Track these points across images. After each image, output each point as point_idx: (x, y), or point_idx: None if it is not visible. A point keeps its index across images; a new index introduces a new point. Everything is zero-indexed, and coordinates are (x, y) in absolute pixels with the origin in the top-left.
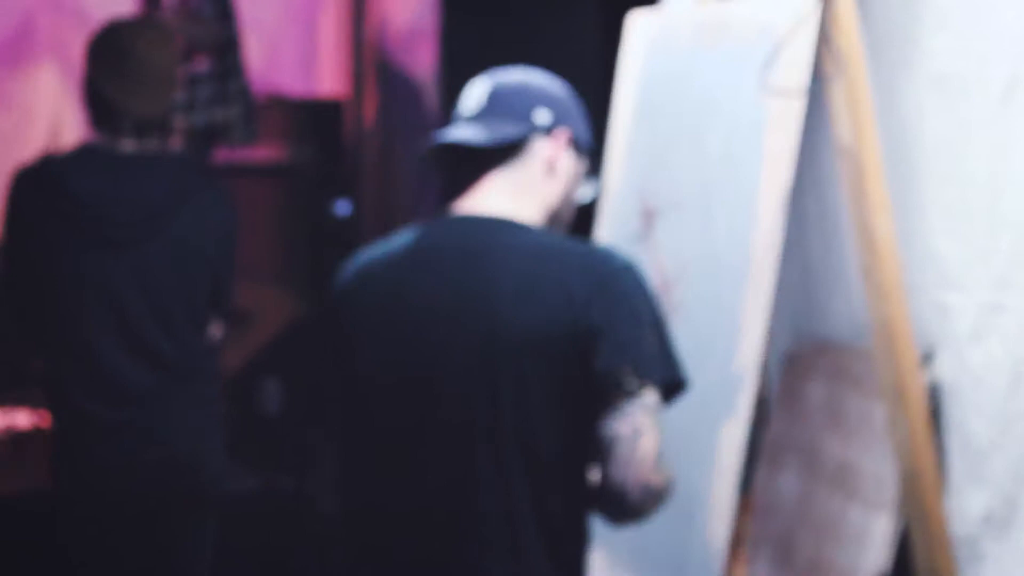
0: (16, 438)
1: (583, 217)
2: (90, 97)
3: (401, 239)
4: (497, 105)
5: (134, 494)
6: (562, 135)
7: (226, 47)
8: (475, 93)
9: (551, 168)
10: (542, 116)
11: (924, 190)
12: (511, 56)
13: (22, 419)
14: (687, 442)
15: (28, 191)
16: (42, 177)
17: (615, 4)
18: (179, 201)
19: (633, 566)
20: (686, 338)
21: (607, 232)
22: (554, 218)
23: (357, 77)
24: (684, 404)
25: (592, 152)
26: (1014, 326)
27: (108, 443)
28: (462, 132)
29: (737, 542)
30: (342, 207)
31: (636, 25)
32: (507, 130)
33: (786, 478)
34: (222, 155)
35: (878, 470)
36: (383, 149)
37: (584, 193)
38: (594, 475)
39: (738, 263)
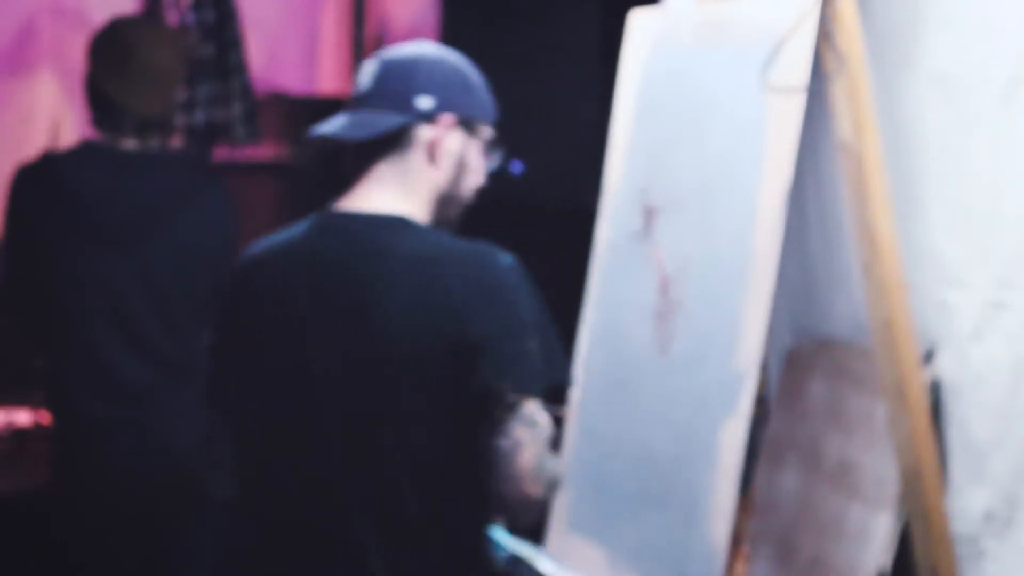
0: (16, 436)
1: (584, 216)
2: (92, 95)
3: (294, 232)
4: (382, 89)
5: (134, 493)
6: (445, 120)
7: (227, 46)
8: (365, 73)
9: (432, 156)
10: (424, 102)
11: (925, 188)
12: (511, 55)
13: (22, 417)
14: (687, 440)
15: (29, 189)
16: (43, 175)
17: (616, 3)
18: (180, 200)
19: (634, 564)
20: (686, 336)
21: (608, 230)
22: (446, 203)
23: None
24: (684, 402)
25: (496, 122)
26: (1016, 324)
27: (108, 442)
28: (338, 125)
29: (737, 540)
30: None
31: (637, 24)
32: (386, 121)
33: (786, 476)
34: (222, 153)
35: (879, 468)
36: None
37: (490, 164)
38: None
39: (738, 261)
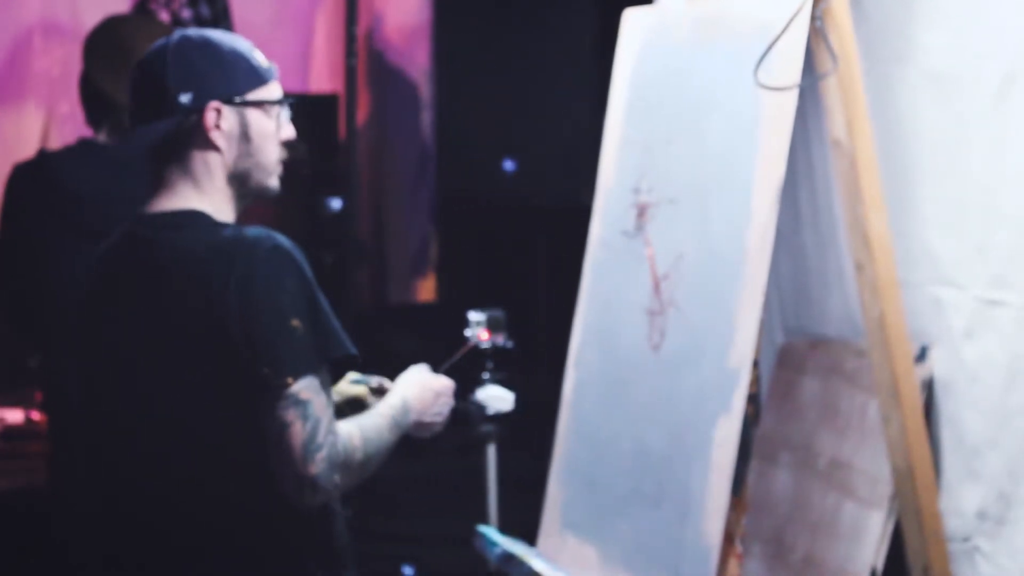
0: (11, 435)
1: (580, 212)
2: (87, 93)
3: (108, 240)
4: (140, 99)
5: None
6: (210, 109)
7: None
8: (130, 85)
9: (209, 144)
10: (183, 98)
11: (919, 186)
12: (506, 54)
13: (17, 416)
14: (680, 438)
15: (26, 186)
16: (40, 172)
17: (610, 1)
18: None
19: (627, 562)
20: (679, 334)
21: (600, 227)
22: (246, 177)
23: (351, 73)
24: (677, 400)
25: (264, 81)
26: (1010, 322)
27: None
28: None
29: (730, 538)
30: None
31: (631, 21)
32: (154, 130)
33: (779, 475)
34: None
35: (872, 467)
36: (376, 145)
37: (285, 125)
38: None
39: (732, 259)
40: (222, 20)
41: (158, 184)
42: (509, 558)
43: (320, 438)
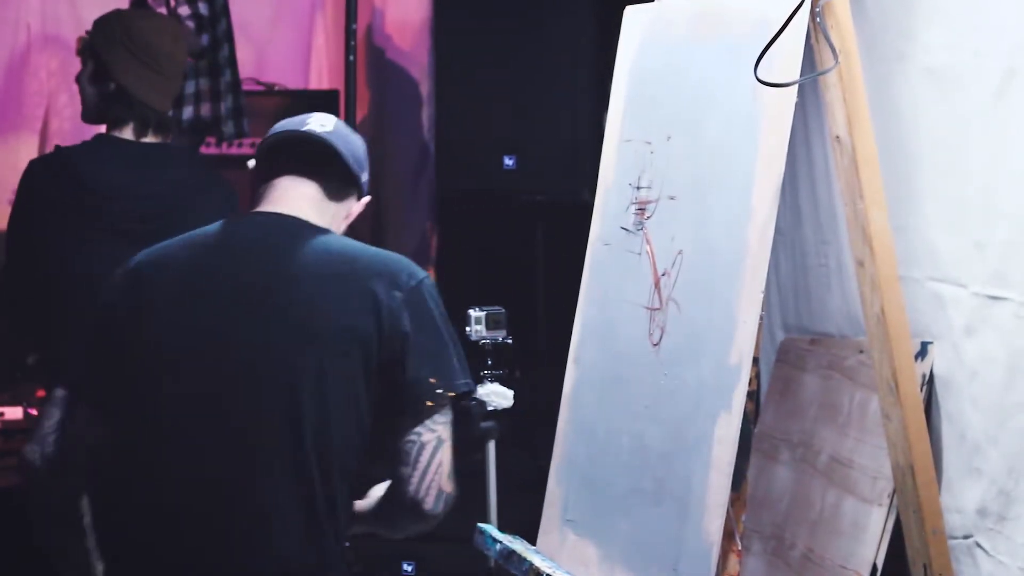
0: (10, 432)
1: (579, 209)
2: (107, 92)
3: (203, 230)
4: (351, 150)
5: None
6: (364, 200)
7: (218, 42)
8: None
9: (347, 217)
10: (364, 176)
11: (919, 182)
12: (505, 51)
13: (16, 413)
14: (680, 435)
15: (42, 180)
16: (56, 167)
17: None
18: (192, 192)
19: (626, 560)
20: (679, 331)
21: (601, 224)
22: None
23: (350, 70)
24: (677, 397)
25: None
26: (1010, 318)
27: None
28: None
29: (730, 535)
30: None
31: (631, 18)
32: (351, 168)
33: (779, 471)
34: (215, 147)
35: (872, 463)
36: (376, 142)
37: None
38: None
39: (732, 255)
40: (222, 17)
41: (289, 189)
42: (509, 555)
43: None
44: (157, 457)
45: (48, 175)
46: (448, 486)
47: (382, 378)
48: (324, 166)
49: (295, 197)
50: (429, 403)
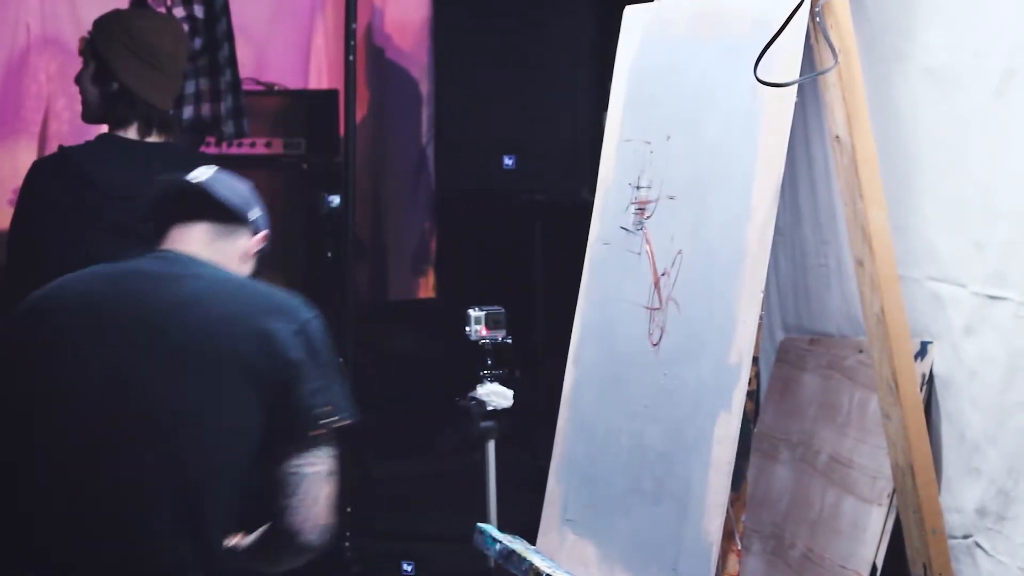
0: None
1: (579, 209)
2: (110, 92)
3: (100, 268)
4: (230, 189)
5: None
6: (261, 236)
7: (218, 42)
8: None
9: (244, 257)
10: (254, 214)
11: (919, 182)
12: (505, 51)
13: None
14: (680, 435)
15: (44, 181)
16: (60, 167)
17: None
18: None
19: (626, 559)
20: (678, 330)
21: (601, 224)
22: None
23: (350, 70)
24: (677, 397)
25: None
26: (1010, 318)
27: None
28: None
29: (730, 535)
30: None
31: (631, 18)
32: (233, 203)
33: (779, 471)
34: (214, 147)
35: (872, 463)
36: (375, 142)
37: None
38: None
39: (731, 255)
40: (221, 17)
41: (181, 231)
42: (508, 555)
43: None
44: (46, 498)
45: (50, 175)
46: (328, 518)
47: (272, 410)
48: (207, 209)
49: (188, 239)
50: (314, 433)
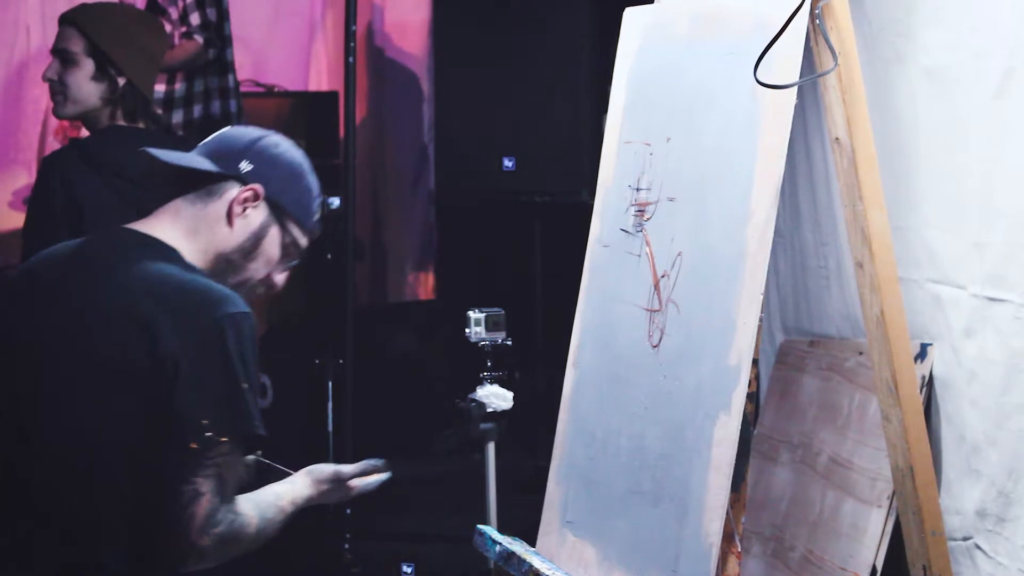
0: None
1: (579, 210)
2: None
3: (69, 245)
4: (216, 145)
5: None
6: (254, 187)
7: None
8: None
9: (230, 215)
10: (244, 166)
11: (918, 183)
12: (504, 51)
13: None
14: (679, 436)
15: (56, 170)
16: (77, 155)
17: None
18: None
19: (626, 561)
20: (678, 332)
21: (600, 225)
22: (224, 268)
23: (349, 71)
24: (677, 398)
25: (310, 230)
26: (1009, 319)
27: None
28: (165, 152)
29: (730, 537)
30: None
31: (632, 19)
32: (204, 163)
33: (779, 473)
34: None
35: (871, 464)
36: (375, 143)
37: (282, 268)
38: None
39: (731, 256)
40: (225, 20)
41: (158, 208)
42: (508, 556)
43: (220, 514)
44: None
45: (61, 164)
46: (199, 539)
47: (158, 416)
48: (177, 181)
49: (157, 217)
50: (194, 445)
